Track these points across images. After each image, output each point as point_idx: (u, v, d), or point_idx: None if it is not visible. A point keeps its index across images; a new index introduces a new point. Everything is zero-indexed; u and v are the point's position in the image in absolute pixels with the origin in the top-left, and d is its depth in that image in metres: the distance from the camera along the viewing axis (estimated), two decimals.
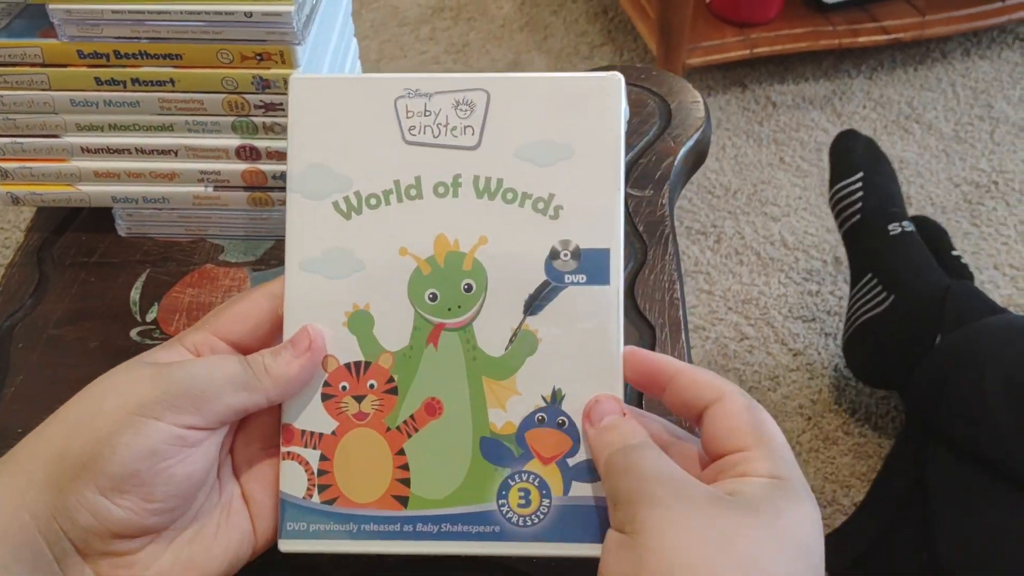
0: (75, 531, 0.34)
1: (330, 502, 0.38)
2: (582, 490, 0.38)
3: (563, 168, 0.39)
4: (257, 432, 0.40)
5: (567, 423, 0.38)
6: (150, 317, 0.53)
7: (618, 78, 0.39)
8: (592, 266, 0.38)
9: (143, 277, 0.56)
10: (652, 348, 0.52)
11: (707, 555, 0.31)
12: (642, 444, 0.36)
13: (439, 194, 0.39)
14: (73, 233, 0.58)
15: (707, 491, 0.34)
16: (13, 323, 0.53)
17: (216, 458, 0.38)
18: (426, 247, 0.39)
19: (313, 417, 0.39)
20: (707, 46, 1.54)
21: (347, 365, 0.39)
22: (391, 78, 0.39)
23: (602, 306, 0.38)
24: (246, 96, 0.51)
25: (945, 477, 0.83)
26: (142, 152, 0.54)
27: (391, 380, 0.39)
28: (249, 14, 0.47)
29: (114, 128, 0.53)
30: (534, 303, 0.38)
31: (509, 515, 0.38)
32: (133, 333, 0.53)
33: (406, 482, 0.38)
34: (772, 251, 1.37)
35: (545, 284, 0.38)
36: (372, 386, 0.39)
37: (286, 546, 0.38)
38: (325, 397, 0.39)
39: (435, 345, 0.39)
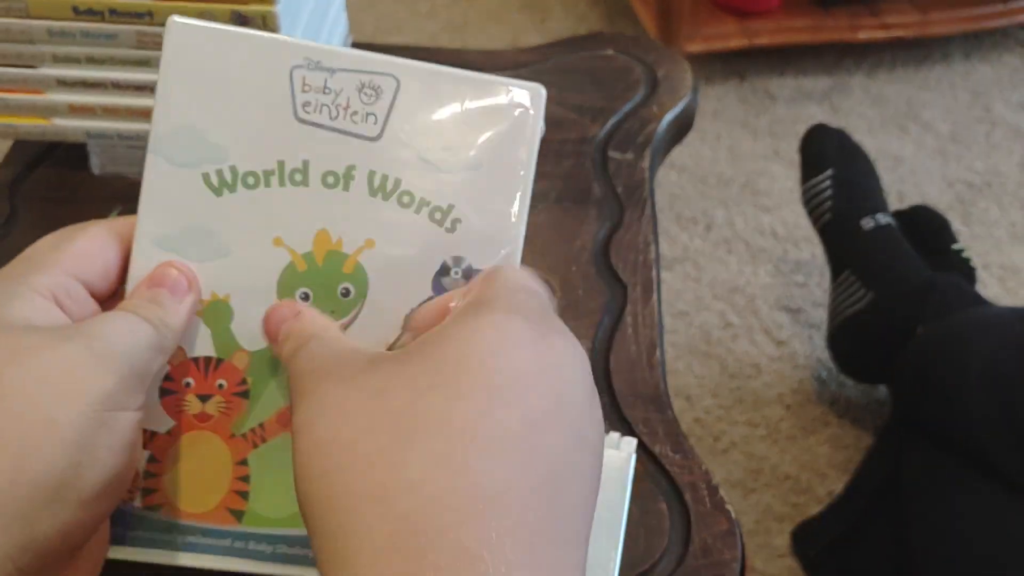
0: (36, 563, 0.28)
1: (154, 508, 0.35)
2: None
3: (468, 179, 0.34)
4: None
5: None
6: None
7: (541, 92, 0.35)
8: None
9: (114, 215, 0.55)
10: (623, 307, 0.52)
11: (347, 424, 0.27)
12: (305, 340, 0.32)
13: (328, 184, 0.34)
14: (46, 169, 0.58)
15: (367, 358, 0.30)
16: None
17: None
18: (305, 241, 0.34)
19: (148, 413, 0.33)
20: (707, 33, 1.53)
21: (195, 359, 0.35)
22: (291, 42, 0.35)
23: None
24: None
25: (921, 467, 0.83)
26: (118, 87, 0.53)
27: (243, 382, 0.35)
28: None
29: (91, 61, 0.52)
30: None
31: None
32: None
33: (244, 495, 0.35)
34: (762, 241, 1.37)
35: (430, 300, 0.34)
36: (221, 386, 0.35)
37: (111, 551, 0.34)
38: (165, 392, 0.35)
39: None
